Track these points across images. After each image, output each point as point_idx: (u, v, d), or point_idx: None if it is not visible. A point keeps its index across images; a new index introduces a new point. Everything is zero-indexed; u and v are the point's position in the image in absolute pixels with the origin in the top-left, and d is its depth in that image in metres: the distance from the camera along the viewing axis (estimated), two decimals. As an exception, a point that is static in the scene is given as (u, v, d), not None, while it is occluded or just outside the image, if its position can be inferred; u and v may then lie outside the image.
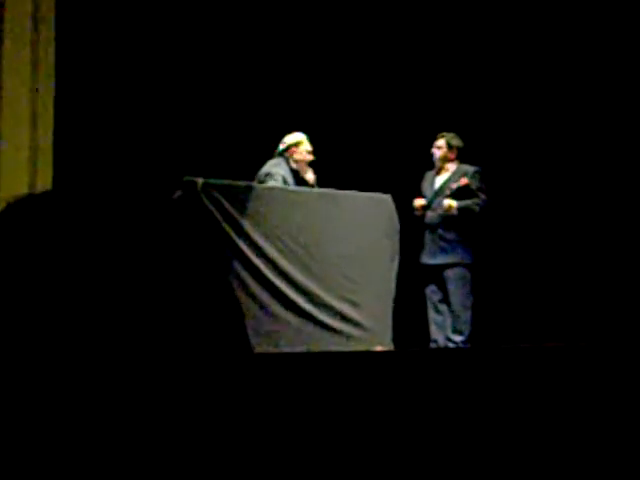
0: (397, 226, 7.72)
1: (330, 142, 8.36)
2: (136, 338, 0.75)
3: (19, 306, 0.75)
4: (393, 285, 7.61)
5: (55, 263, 0.76)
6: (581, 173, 9.05)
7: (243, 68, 9.74)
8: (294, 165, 7.72)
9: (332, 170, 8.01)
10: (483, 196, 8.08)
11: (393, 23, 9.70)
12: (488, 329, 8.06)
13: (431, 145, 8.30)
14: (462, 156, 8.25)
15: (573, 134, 9.14)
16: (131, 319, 0.75)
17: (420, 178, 8.38)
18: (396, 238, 7.69)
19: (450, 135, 8.27)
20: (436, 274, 8.04)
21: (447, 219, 8.02)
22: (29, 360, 0.74)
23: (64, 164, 8.18)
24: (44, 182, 7.70)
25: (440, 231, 8.05)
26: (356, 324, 7.37)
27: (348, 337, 7.29)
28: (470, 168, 8.18)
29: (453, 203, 8.00)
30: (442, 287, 8.03)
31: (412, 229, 8.00)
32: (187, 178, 6.85)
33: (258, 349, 6.33)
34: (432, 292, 8.09)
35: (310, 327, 7.16)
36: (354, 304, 7.37)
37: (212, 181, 6.93)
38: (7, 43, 7.90)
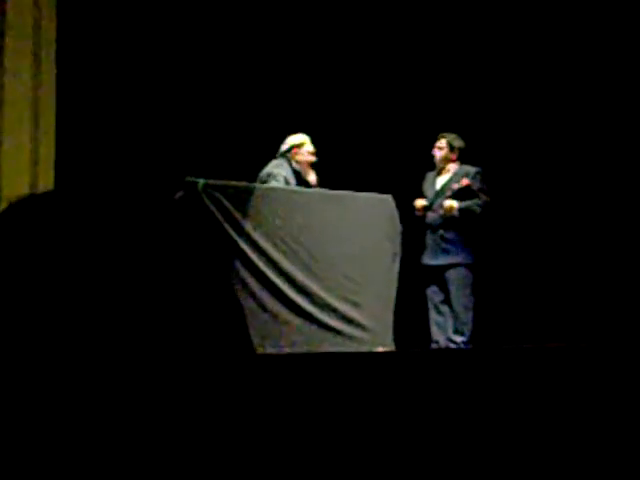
0: (398, 227, 7.72)
1: (331, 143, 8.36)
2: (138, 338, 0.75)
3: (20, 305, 0.75)
4: (394, 286, 7.60)
5: (57, 263, 0.76)
6: (582, 173, 9.05)
7: (245, 69, 9.74)
8: (296, 166, 7.72)
9: (333, 170, 8.00)
10: (484, 197, 8.08)
11: (394, 24, 9.70)
12: (489, 330, 8.06)
13: (432, 146, 8.30)
14: (463, 157, 8.25)
15: (574, 135, 9.14)
16: (133, 319, 0.75)
17: (421, 179, 8.38)
18: (397, 239, 7.69)
19: (451, 136, 8.27)
20: (437, 275, 8.03)
21: (448, 220, 8.02)
22: (30, 360, 0.74)
23: (66, 164, 8.18)
24: (46, 182, 7.71)
25: (441, 232, 8.05)
26: (357, 325, 7.37)
27: (349, 338, 7.29)
28: (471, 169, 8.18)
29: (454, 204, 7.99)
30: (443, 288, 8.02)
31: (413, 230, 8.00)
32: (188, 179, 6.85)
33: (259, 350, 6.33)
34: (433, 293, 8.08)
35: (311, 328, 7.15)
36: (355, 305, 7.37)
37: (213, 182, 6.92)
38: (9, 43, 7.91)
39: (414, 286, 8.03)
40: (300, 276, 7.13)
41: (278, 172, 7.60)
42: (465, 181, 8.09)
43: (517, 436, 4.06)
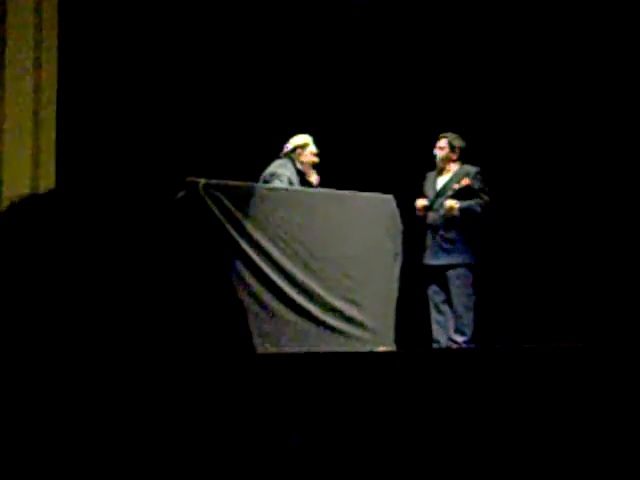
0: (400, 226, 7.72)
1: (332, 143, 8.36)
2: (138, 338, 0.75)
3: (21, 305, 0.75)
4: (396, 285, 7.61)
5: (58, 262, 0.76)
6: (582, 173, 9.05)
7: (246, 69, 9.74)
8: (300, 166, 7.74)
9: (334, 170, 8.00)
10: (485, 197, 8.08)
11: (394, 24, 9.70)
12: (490, 330, 8.06)
13: (433, 146, 8.30)
14: (464, 157, 8.25)
15: (574, 135, 9.14)
16: (133, 319, 0.75)
17: (422, 179, 8.38)
18: (398, 238, 7.69)
19: (452, 136, 8.27)
20: (438, 275, 8.03)
21: (449, 220, 8.02)
22: (30, 359, 0.74)
23: (67, 164, 8.18)
24: (47, 182, 7.71)
25: (442, 232, 8.05)
26: (358, 324, 7.37)
27: (350, 337, 7.29)
28: (472, 169, 8.18)
29: (455, 204, 8.00)
30: (444, 288, 8.02)
31: (414, 230, 8.00)
32: (189, 178, 6.85)
33: (260, 349, 6.33)
34: (434, 293, 8.08)
35: (312, 327, 7.15)
36: (356, 304, 7.37)
37: (214, 182, 6.93)
38: (10, 43, 7.91)
39: (415, 286, 8.03)
40: (301, 276, 7.13)
41: (282, 172, 7.61)
42: (466, 181, 8.09)
43: (518, 435, 4.06)
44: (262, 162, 7.89)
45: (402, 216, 7.77)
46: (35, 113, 7.92)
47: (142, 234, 0.79)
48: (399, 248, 7.69)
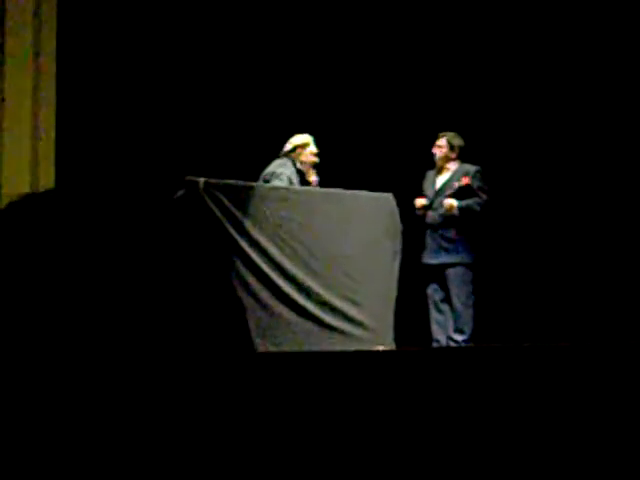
0: (399, 225, 7.72)
1: (332, 141, 8.35)
2: (138, 337, 0.75)
3: (20, 303, 0.75)
4: (395, 284, 7.60)
5: (57, 261, 0.76)
6: (582, 172, 9.05)
7: (246, 68, 9.74)
8: (300, 166, 7.74)
9: (334, 169, 8.01)
10: (484, 196, 8.08)
11: (394, 23, 9.70)
12: (490, 328, 8.06)
13: (432, 144, 8.30)
14: (463, 155, 8.25)
15: (574, 133, 9.14)
16: (133, 318, 0.75)
17: (421, 177, 8.38)
18: (398, 237, 7.69)
19: (451, 134, 8.26)
20: (437, 273, 8.04)
21: (448, 219, 8.02)
22: (30, 357, 0.74)
23: (66, 163, 8.18)
24: (46, 181, 7.71)
25: (441, 231, 8.05)
26: (358, 323, 7.37)
27: (350, 336, 7.29)
28: (471, 167, 8.18)
29: (454, 203, 8.00)
30: (444, 286, 8.03)
31: (413, 229, 8.00)
32: (189, 178, 6.84)
33: (259, 348, 6.33)
34: (434, 291, 8.08)
35: (312, 326, 7.15)
36: (356, 303, 7.37)
37: (214, 181, 6.92)
38: (9, 41, 7.91)
39: (414, 285, 8.04)
40: (300, 275, 7.13)
41: (282, 171, 7.61)
42: (465, 180, 8.09)
43: (518, 434, 4.06)
44: (262, 161, 7.89)
45: (401, 215, 7.77)
46: (34, 112, 7.92)
47: (141, 233, 0.79)
48: (398, 247, 7.69)
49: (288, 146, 7.81)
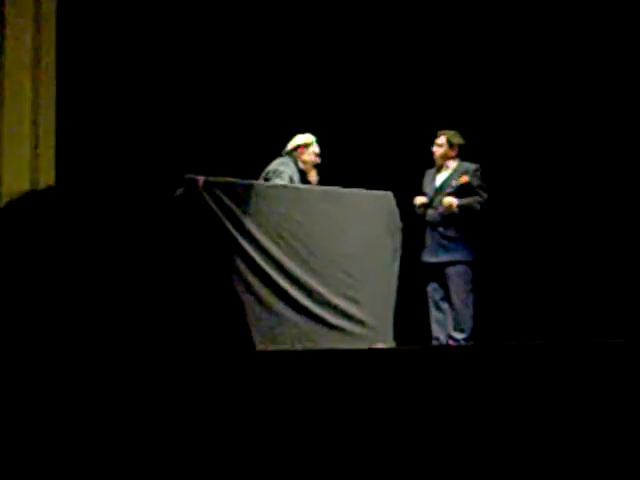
0: (399, 223, 7.72)
1: (332, 140, 8.35)
2: (138, 334, 0.75)
3: (20, 301, 0.75)
4: (395, 283, 7.61)
5: (57, 258, 0.76)
6: (581, 170, 9.05)
7: (245, 67, 9.74)
8: (302, 166, 7.75)
9: (333, 168, 8.01)
10: (484, 194, 8.08)
11: (393, 22, 9.69)
12: (490, 327, 8.06)
13: (432, 143, 8.29)
14: (463, 154, 8.25)
15: (573, 131, 9.14)
16: (133, 316, 0.75)
17: (421, 176, 8.38)
18: (398, 235, 7.69)
19: (451, 133, 8.26)
20: (437, 272, 8.04)
21: (448, 217, 8.02)
22: (30, 355, 0.74)
23: (66, 161, 8.18)
24: (46, 179, 7.70)
25: (441, 229, 8.05)
26: (357, 322, 7.37)
27: (349, 335, 7.29)
28: (471, 166, 8.18)
29: (454, 201, 8.00)
30: (443, 285, 8.03)
31: (413, 227, 8.00)
32: (189, 176, 6.84)
33: (259, 347, 6.33)
34: (433, 290, 8.08)
35: (311, 325, 7.15)
36: (356, 301, 7.37)
37: (213, 179, 6.92)
38: (9, 40, 7.90)
39: (414, 283, 8.04)
40: (300, 273, 7.13)
41: (283, 170, 7.62)
42: (464, 178, 8.09)
43: (517, 433, 4.06)
44: (261, 160, 7.89)
45: (401, 213, 7.77)
46: (34, 111, 7.92)
47: (141, 231, 0.79)
48: (398, 245, 7.69)
49: (291, 145, 7.82)
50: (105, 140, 9.06)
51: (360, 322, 7.38)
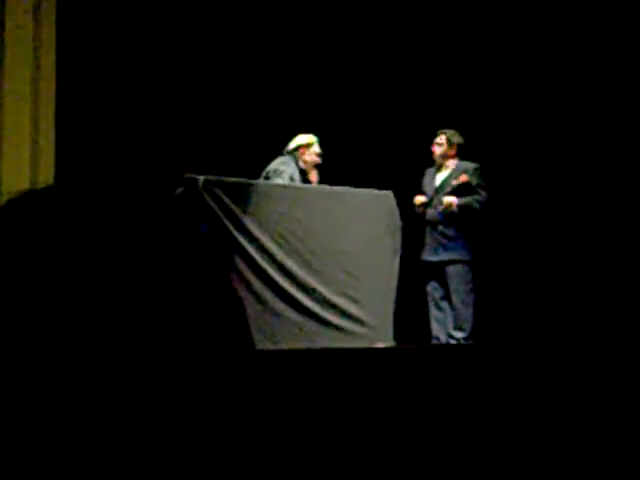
0: (398, 222, 7.72)
1: (331, 139, 8.36)
2: (137, 334, 0.75)
3: (19, 301, 0.75)
4: (394, 282, 7.61)
5: (56, 258, 0.76)
6: (581, 169, 9.05)
7: (246, 66, 9.74)
8: (302, 165, 7.76)
9: (333, 167, 8.01)
10: (483, 193, 8.08)
11: (393, 20, 9.69)
12: (489, 326, 8.06)
13: (432, 142, 8.30)
14: (462, 153, 8.25)
15: (572, 130, 9.14)
16: (132, 315, 0.75)
17: (421, 175, 8.39)
18: (397, 235, 7.69)
19: (450, 132, 8.27)
20: (437, 271, 8.04)
21: (448, 216, 8.02)
22: (29, 356, 0.74)
23: (66, 160, 8.18)
24: (46, 177, 7.71)
25: (441, 228, 8.05)
26: (357, 321, 7.38)
27: (349, 334, 7.29)
28: (470, 165, 8.18)
29: (453, 200, 8.00)
30: (443, 284, 8.03)
31: (413, 226, 8.00)
32: (188, 175, 6.84)
33: (259, 346, 6.33)
34: (433, 289, 8.09)
35: (311, 324, 7.16)
36: (355, 300, 7.37)
37: (213, 178, 6.92)
38: (9, 39, 7.90)
39: (414, 282, 8.04)
40: (300, 272, 7.13)
41: (284, 169, 7.63)
42: (464, 177, 8.10)
43: (517, 432, 4.06)
44: (262, 159, 7.90)
45: (401, 212, 7.78)
46: (34, 109, 7.92)
47: (141, 230, 0.79)
48: (398, 244, 7.69)
49: (292, 144, 7.83)
50: (105, 139, 9.06)
51: (360, 321, 7.38)
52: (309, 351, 6.19)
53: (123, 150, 9.04)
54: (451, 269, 7.99)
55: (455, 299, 7.96)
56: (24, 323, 0.74)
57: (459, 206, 7.99)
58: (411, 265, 7.90)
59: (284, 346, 6.82)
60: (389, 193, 7.76)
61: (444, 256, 7.99)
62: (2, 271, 0.76)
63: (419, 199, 8.16)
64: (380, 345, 7.12)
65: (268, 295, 6.99)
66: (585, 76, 9.10)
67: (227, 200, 6.87)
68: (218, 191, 6.85)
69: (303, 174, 7.75)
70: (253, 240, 6.97)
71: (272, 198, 7.16)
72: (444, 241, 8.02)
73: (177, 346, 0.76)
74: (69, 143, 8.38)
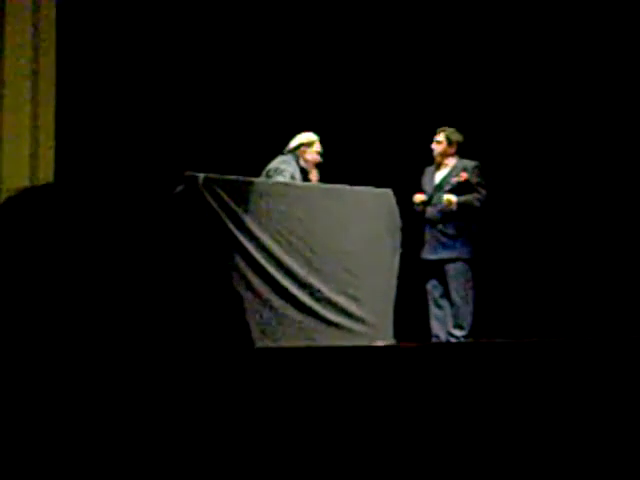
0: (398, 221, 7.72)
1: (331, 137, 8.35)
2: (137, 331, 0.75)
3: (18, 297, 0.75)
4: (394, 280, 7.60)
5: (56, 255, 0.76)
6: (580, 167, 9.05)
7: (246, 64, 9.73)
8: (303, 164, 7.76)
9: (333, 165, 8.01)
10: (483, 191, 8.08)
11: (392, 19, 9.69)
12: (489, 324, 8.06)
13: (431, 140, 8.29)
14: (462, 151, 8.25)
15: (572, 128, 9.14)
16: (132, 313, 0.75)
17: (420, 173, 8.39)
18: (397, 233, 7.69)
19: (450, 130, 8.26)
20: (437, 269, 8.04)
21: (447, 214, 8.02)
22: (28, 352, 0.74)
23: (66, 158, 8.18)
24: (46, 175, 7.70)
25: (440, 226, 8.05)
26: (357, 319, 7.37)
27: (349, 332, 7.29)
28: (469, 163, 8.18)
29: (453, 198, 8.00)
30: (443, 282, 8.03)
31: (413, 224, 8.00)
32: (188, 173, 6.84)
33: (259, 344, 6.33)
34: (433, 287, 8.09)
35: (311, 322, 7.15)
36: (355, 299, 7.37)
37: (213, 176, 6.92)
38: (9, 40, 7.90)
39: (414, 280, 8.04)
40: (300, 270, 7.13)
41: (285, 168, 7.63)
42: (464, 175, 8.09)
43: (517, 430, 4.06)
44: (262, 157, 7.89)
45: (401, 211, 7.77)
46: (34, 107, 7.91)
47: (141, 228, 0.79)
48: (398, 243, 7.69)
49: (293, 143, 7.83)
50: (105, 137, 9.06)
51: (360, 319, 7.38)
52: (309, 349, 6.19)
53: (123, 148, 9.04)
54: (451, 267, 7.99)
55: (455, 297, 7.96)
56: (24, 319, 0.74)
57: (459, 204, 7.99)
58: (411, 263, 7.89)
59: (284, 344, 6.82)
60: (389, 191, 7.75)
61: (444, 254, 7.99)
62: (2, 268, 0.76)
63: (419, 197, 8.16)
64: (380, 343, 7.12)
65: (268, 293, 6.99)
66: (584, 74, 9.10)
67: (227, 198, 6.87)
68: (218, 189, 6.84)
69: (304, 173, 7.76)
70: (253, 238, 6.97)
71: (272, 196, 7.16)
72: (444, 239, 8.02)
73: (177, 343, 0.76)
74: (69, 141, 8.38)
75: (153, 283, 0.77)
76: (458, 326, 7.93)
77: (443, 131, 8.26)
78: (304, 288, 7.14)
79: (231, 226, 6.86)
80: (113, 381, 0.74)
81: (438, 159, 8.27)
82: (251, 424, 0.79)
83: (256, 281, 6.94)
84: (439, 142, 8.25)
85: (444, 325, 8.00)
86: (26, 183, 7.36)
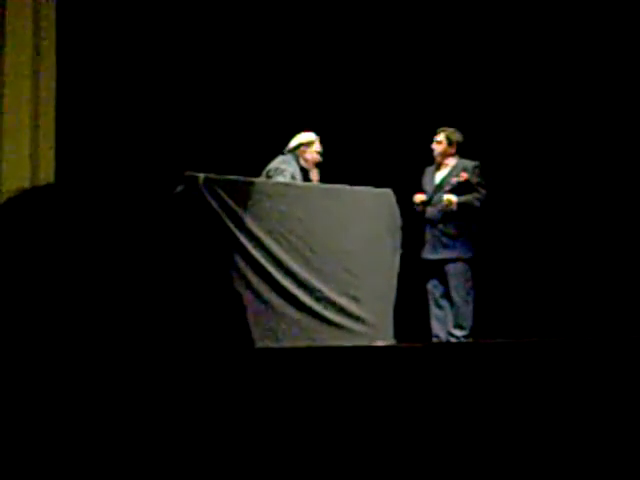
0: (399, 221, 7.72)
1: (331, 137, 8.35)
2: (137, 332, 0.75)
3: (19, 298, 0.75)
4: (395, 280, 7.61)
5: (56, 256, 0.76)
6: (580, 167, 9.05)
7: (246, 64, 9.73)
8: (304, 164, 7.76)
9: (333, 165, 8.01)
10: (483, 191, 8.09)
11: (392, 19, 9.69)
12: (489, 324, 8.06)
13: (431, 140, 8.30)
14: (462, 151, 8.25)
15: (572, 128, 9.14)
16: (132, 313, 0.75)
17: (420, 173, 8.39)
18: (397, 233, 7.69)
19: (450, 130, 8.27)
20: (437, 269, 8.04)
21: (447, 214, 8.02)
22: (28, 352, 0.74)
23: (66, 158, 8.18)
24: (46, 176, 7.71)
25: (441, 226, 8.05)
26: (357, 319, 7.37)
27: (349, 332, 7.29)
28: (469, 163, 8.18)
29: (453, 198, 8.00)
30: (443, 282, 8.03)
31: (413, 224, 8.00)
32: (189, 173, 6.84)
33: (259, 344, 6.34)
34: (433, 287, 8.09)
35: (311, 322, 7.16)
36: (355, 299, 7.37)
37: (214, 176, 6.92)
38: (9, 40, 7.90)
39: (414, 280, 8.04)
40: (300, 270, 7.13)
41: (285, 168, 7.64)
42: (464, 175, 8.10)
43: (517, 430, 4.06)
44: (262, 157, 7.89)
45: (401, 211, 7.77)
46: (34, 107, 7.92)
47: (141, 228, 0.79)
48: (398, 243, 7.69)
49: (293, 143, 7.83)
50: (105, 137, 9.06)
51: (360, 319, 7.38)
52: (309, 349, 6.19)
53: (123, 148, 9.04)
54: (451, 267, 7.99)
55: (455, 297, 7.96)
56: (24, 320, 0.74)
57: (459, 204, 7.99)
58: (411, 263, 7.90)
59: (284, 344, 6.82)
60: (389, 191, 7.75)
61: (444, 254, 7.99)
62: (2, 269, 0.76)
63: (419, 197, 8.16)
64: (380, 343, 7.12)
65: (268, 293, 6.99)
66: (584, 73, 9.10)
67: (227, 198, 6.87)
68: (218, 189, 6.84)
69: (304, 172, 7.76)
70: (253, 238, 6.97)
71: (272, 196, 7.16)
72: (444, 239, 8.02)
73: (177, 344, 0.76)
74: (69, 141, 8.38)
75: (153, 283, 0.77)
76: (458, 326, 7.93)
77: (443, 131, 8.27)
78: (304, 288, 7.14)
79: (231, 226, 6.86)
80: (113, 381, 0.74)
81: (438, 159, 8.27)
82: (251, 424, 0.79)
83: (256, 281, 6.94)
84: (439, 142, 8.25)
85: (444, 325, 8.00)
86: (26, 184, 7.36)
